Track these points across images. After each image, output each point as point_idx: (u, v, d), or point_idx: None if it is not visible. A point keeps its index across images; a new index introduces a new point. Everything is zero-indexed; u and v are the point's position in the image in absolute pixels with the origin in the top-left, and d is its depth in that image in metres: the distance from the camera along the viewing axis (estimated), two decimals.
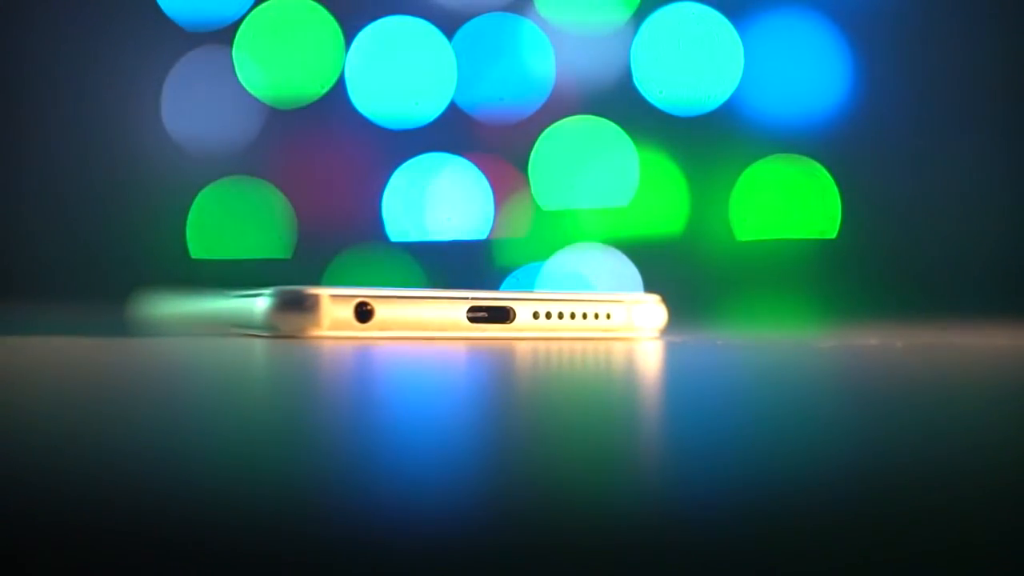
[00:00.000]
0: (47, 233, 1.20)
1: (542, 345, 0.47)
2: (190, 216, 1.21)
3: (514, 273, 1.19)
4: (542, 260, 1.19)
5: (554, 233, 1.20)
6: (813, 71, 1.21)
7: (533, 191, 1.22)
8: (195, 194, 1.21)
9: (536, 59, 1.23)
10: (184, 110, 1.22)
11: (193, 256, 1.21)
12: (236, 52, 1.22)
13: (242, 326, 0.51)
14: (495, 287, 1.15)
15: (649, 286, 1.15)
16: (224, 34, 1.22)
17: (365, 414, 0.22)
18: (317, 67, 1.22)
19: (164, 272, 1.16)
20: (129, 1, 1.24)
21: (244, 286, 0.56)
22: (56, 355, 0.39)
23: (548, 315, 0.51)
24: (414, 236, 1.21)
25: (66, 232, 1.20)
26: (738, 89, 1.20)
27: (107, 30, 1.22)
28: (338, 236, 1.21)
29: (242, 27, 1.22)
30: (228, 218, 1.21)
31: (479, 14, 1.22)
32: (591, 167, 1.22)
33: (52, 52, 1.21)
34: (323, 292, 0.48)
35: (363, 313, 0.48)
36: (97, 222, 1.20)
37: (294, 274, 1.16)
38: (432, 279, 1.18)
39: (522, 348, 0.45)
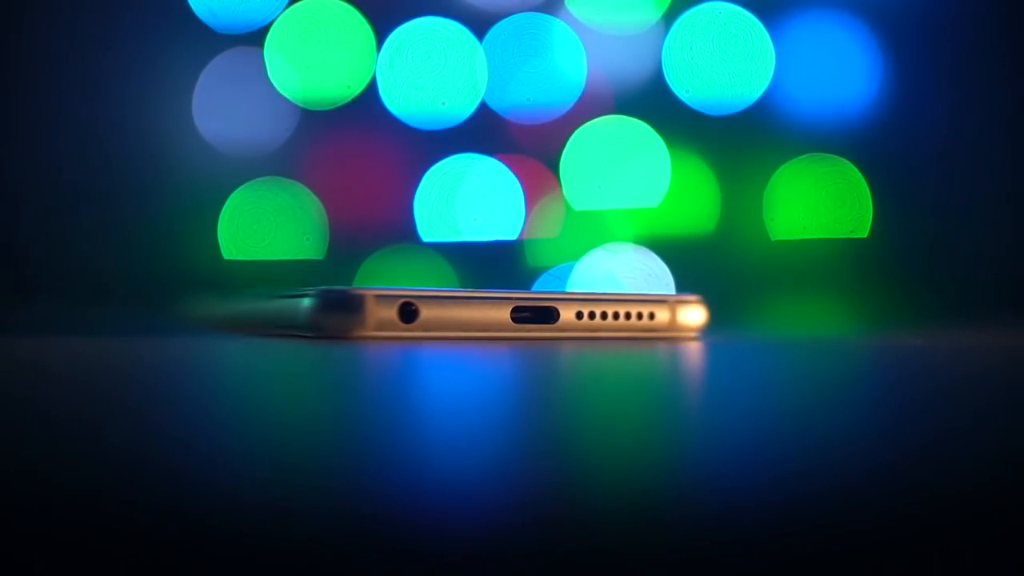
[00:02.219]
0: (78, 234, 1.20)
1: (592, 345, 0.47)
2: (222, 217, 1.21)
3: (548, 272, 1.19)
4: (574, 260, 1.19)
5: (586, 233, 1.20)
6: (845, 70, 1.21)
7: (564, 191, 1.22)
8: (227, 195, 1.21)
9: (567, 59, 1.22)
10: (216, 112, 1.23)
11: (225, 257, 1.21)
12: (268, 53, 1.22)
13: (285, 327, 0.52)
14: (528, 287, 1.15)
15: (681, 286, 1.15)
16: (255, 36, 1.22)
17: (419, 415, 0.22)
18: (349, 68, 1.23)
19: (196, 273, 1.16)
20: (161, 4, 1.25)
21: (278, 287, 0.56)
22: (103, 355, 0.39)
23: (592, 315, 0.51)
24: (446, 237, 1.21)
25: (97, 233, 1.20)
26: (769, 88, 1.20)
27: (139, 33, 1.22)
28: (370, 237, 1.21)
29: (273, 28, 1.22)
30: (260, 219, 1.22)
31: (510, 14, 1.23)
32: (622, 167, 1.22)
33: (84, 55, 1.21)
34: (368, 293, 0.48)
35: (408, 313, 0.48)
36: (129, 223, 1.21)
37: (326, 275, 1.16)
38: (464, 280, 1.18)
39: (572, 348, 0.45)
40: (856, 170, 1.18)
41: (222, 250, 1.21)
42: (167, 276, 1.14)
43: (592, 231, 1.20)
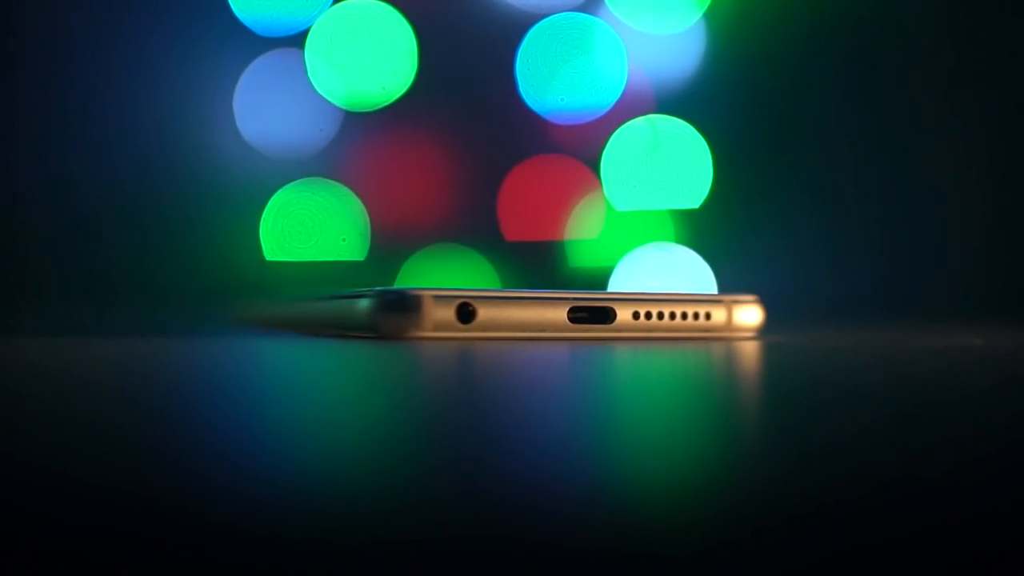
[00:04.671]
0: (121, 235, 1.21)
1: (659, 345, 0.47)
2: (264, 218, 1.22)
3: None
4: (615, 261, 1.19)
5: (627, 233, 1.20)
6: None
7: (605, 191, 1.21)
8: (270, 196, 1.22)
9: (608, 59, 1.22)
10: (258, 113, 1.23)
11: (268, 258, 1.22)
12: (308, 55, 1.23)
13: (342, 327, 0.52)
14: (569, 288, 1.15)
15: (723, 286, 1.15)
16: (296, 38, 1.23)
17: (491, 415, 0.22)
18: (390, 69, 1.23)
19: (239, 274, 1.17)
20: (203, 7, 1.25)
21: (324, 287, 0.56)
22: (165, 355, 0.40)
23: (648, 315, 0.51)
24: (485, 237, 1.21)
25: (139, 234, 1.21)
26: None
27: (181, 35, 1.23)
28: (410, 237, 1.21)
29: (313, 30, 1.23)
30: (303, 220, 1.22)
31: (551, 14, 1.22)
32: (664, 167, 1.21)
33: (127, 56, 1.22)
34: (426, 293, 0.48)
35: (465, 314, 0.48)
36: (171, 224, 1.22)
37: (368, 276, 1.17)
38: (505, 281, 1.18)
39: (638, 348, 0.45)
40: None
41: (264, 251, 1.22)
42: (211, 278, 1.15)
43: (633, 231, 1.20)
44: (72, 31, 1.22)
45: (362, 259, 1.21)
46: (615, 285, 1.17)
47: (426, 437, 0.18)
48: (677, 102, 1.21)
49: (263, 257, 1.21)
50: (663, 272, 1.18)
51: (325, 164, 1.23)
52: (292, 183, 1.22)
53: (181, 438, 0.18)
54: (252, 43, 1.23)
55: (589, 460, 0.16)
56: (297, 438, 0.18)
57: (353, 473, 0.15)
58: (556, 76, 1.22)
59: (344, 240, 1.22)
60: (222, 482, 0.14)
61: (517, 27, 1.22)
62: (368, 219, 1.22)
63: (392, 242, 1.21)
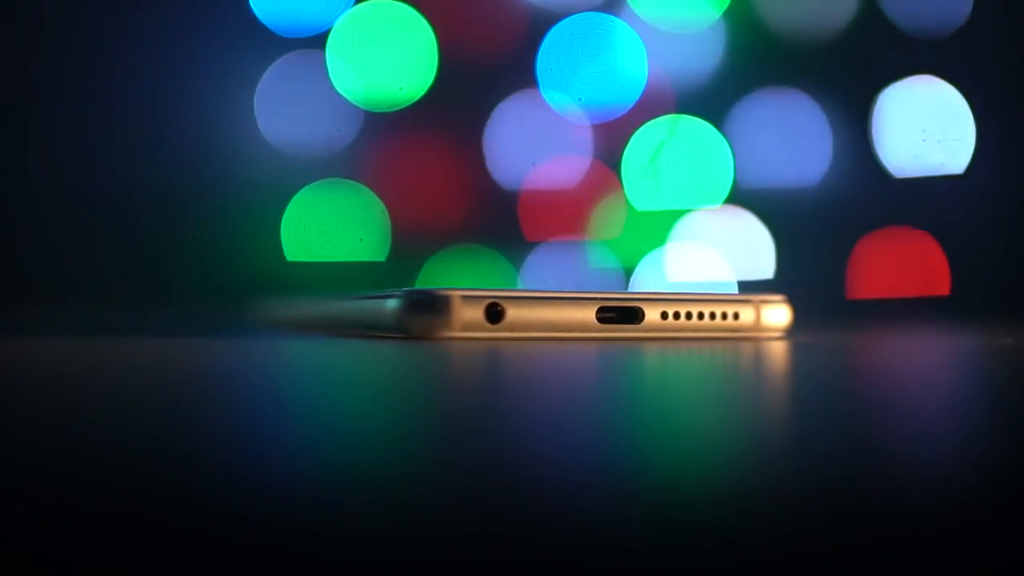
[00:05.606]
0: (143, 237, 1.21)
1: (688, 345, 0.47)
2: (285, 219, 1.22)
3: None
4: (636, 261, 1.19)
5: (648, 234, 1.20)
6: None
7: (626, 192, 1.21)
8: (291, 197, 1.22)
9: (629, 58, 1.22)
10: (279, 114, 1.23)
11: (288, 259, 1.22)
12: (329, 56, 1.23)
13: (370, 327, 0.52)
14: (590, 288, 1.15)
15: (744, 286, 1.15)
16: (317, 39, 1.23)
17: (528, 415, 0.22)
18: (410, 70, 1.23)
19: (259, 275, 1.17)
20: (223, 8, 1.26)
21: (345, 288, 0.56)
22: (200, 357, 0.40)
23: (676, 315, 0.51)
24: (506, 237, 1.21)
25: (161, 235, 1.22)
26: None
27: (202, 37, 1.23)
28: (430, 238, 1.21)
29: (334, 31, 1.23)
30: (324, 221, 1.22)
31: (572, 13, 1.22)
32: (685, 167, 1.21)
33: (148, 58, 1.23)
34: (455, 293, 0.48)
35: (494, 314, 0.48)
36: (192, 225, 1.22)
37: (389, 276, 1.17)
38: (526, 281, 1.18)
39: (668, 348, 0.45)
40: None
41: (285, 252, 1.22)
42: (232, 279, 1.15)
43: (654, 231, 1.20)
44: (92, 31, 1.22)
45: (383, 260, 1.21)
46: (637, 285, 1.17)
47: (473, 438, 0.18)
48: (698, 102, 1.21)
49: (284, 258, 1.21)
50: (683, 271, 1.18)
51: (346, 164, 1.23)
52: (313, 183, 1.22)
53: (218, 436, 0.18)
54: (273, 44, 1.23)
55: (642, 462, 0.16)
56: (346, 439, 0.18)
57: (399, 475, 0.15)
58: (577, 75, 1.22)
59: (362, 240, 1.22)
60: (276, 484, 0.14)
61: (538, 26, 1.22)
62: (388, 219, 1.22)
63: (412, 242, 1.21)
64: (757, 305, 0.53)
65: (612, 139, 1.21)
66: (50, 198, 1.21)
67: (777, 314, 0.53)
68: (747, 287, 1.13)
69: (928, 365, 0.39)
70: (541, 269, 1.19)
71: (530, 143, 1.23)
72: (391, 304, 0.49)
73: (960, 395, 0.27)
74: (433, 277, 1.18)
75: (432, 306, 0.48)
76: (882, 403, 0.25)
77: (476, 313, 0.48)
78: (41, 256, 1.19)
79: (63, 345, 0.46)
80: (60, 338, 0.53)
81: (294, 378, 0.31)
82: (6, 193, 1.20)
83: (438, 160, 1.25)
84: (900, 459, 0.16)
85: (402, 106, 1.22)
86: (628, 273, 1.18)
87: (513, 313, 0.48)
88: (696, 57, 1.21)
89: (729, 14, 1.21)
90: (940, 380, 0.32)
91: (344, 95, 1.22)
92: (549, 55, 1.22)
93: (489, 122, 1.22)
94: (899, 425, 0.20)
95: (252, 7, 1.23)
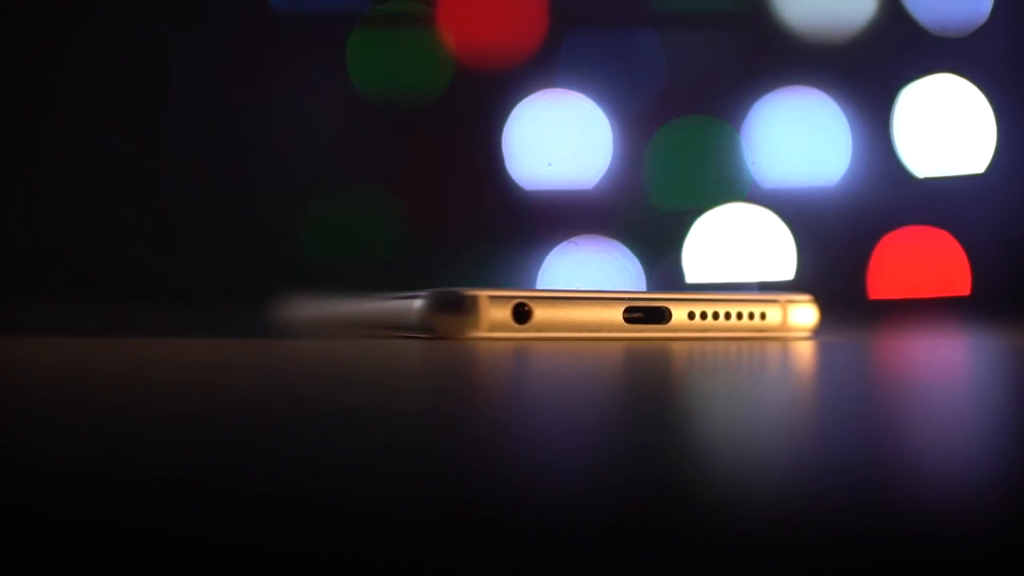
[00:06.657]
0: (163, 236, 1.22)
1: (717, 346, 0.47)
2: (306, 218, 1.22)
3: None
4: (655, 260, 1.19)
5: (667, 232, 1.20)
6: None
7: (647, 191, 1.21)
8: (312, 197, 1.22)
9: (649, 58, 1.22)
10: (299, 112, 1.24)
11: (309, 257, 1.22)
12: (350, 54, 1.23)
13: (396, 328, 0.52)
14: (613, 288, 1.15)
15: (764, 287, 1.14)
16: (338, 36, 1.23)
17: (558, 414, 0.22)
18: (429, 70, 1.23)
19: (280, 274, 1.17)
20: (243, 5, 1.26)
21: (371, 288, 0.56)
22: (225, 356, 0.40)
23: (703, 315, 0.51)
24: (527, 236, 1.21)
25: (182, 235, 1.22)
26: None
27: (222, 34, 1.24)
28: (450, 238, 1.21)
29: (355, 29, 1.23)
30: (344, 220, 1.22)
31: (593, 13, 1.22)
32: (702, 166, 1.21)
33: (166, 57, 1.23)
34: (481, 293, 0.48)
35: (521, 314, 0.48)
36: (213, 225, 1.22)
37: (409, 275, 1.17)
38: (547, 281, 1.18)
39: (695, 348, 0.45)
40: None
41: (307, 251, 1.22)
42: (250, 278, 1.15)
43: (673, 230, 1.20)
44: (104, 25, 1.22)
45: (404, 259, 1.21)
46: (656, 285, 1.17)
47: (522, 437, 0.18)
48: (718, 101, 1.21)
49: (306, 256, 1.21)
50: (702, 270, 1.18)
51: (366, 164, 1.23)
52: (334, 183, 1.23)
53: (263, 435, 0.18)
54: (293, 39, 1.23)
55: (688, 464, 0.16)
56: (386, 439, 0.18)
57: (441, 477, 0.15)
58: (597, 74, 1.22)
59: (385, 239, 1.22)
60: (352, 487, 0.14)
61: (557, 25, 1.22)
62: (408, 219, 1.22)
63: (433, 242, 1.21)
64: (784, 305, 0.52)
65: (632, 138, 1.21)
66: (70, 200, 1.21)
67: (804, 314, 0.53)
68: (767, 288, 1.13)
69: (963, 366, 0.39)
70: (561, 269, 1.18)
71: (549, 142, 1.23)
72: (418, 304, 0.49)
73: (1003, 398, 0.27)
74: (454, 278, 1.18)
75: (459, 306, 0.48)
76: (929, 406, 0.24)
77: (503, 313, 0.48)
78: (62, 257, 1.19)
79: (134, 345, 0.46)
80: (108, 338, 0.53)
81: (340, 379, 0.31)
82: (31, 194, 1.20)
83: (458, 159, 1.25)
84: (956, 465, 0.16)
85: (422, 105, 1.22)
86: (647, 273, 1.18)
87: (540, 313, 0.48)
88: (716, 56, 1.21)
89: (749, 13, 1.21)
90: (980, 382, 0.32)
91: (364, 94, 1.23)
92: (569, 55, 1.22)
93: (507, 121, 1.22)
94: (953, 429, 0.20)
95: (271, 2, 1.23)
